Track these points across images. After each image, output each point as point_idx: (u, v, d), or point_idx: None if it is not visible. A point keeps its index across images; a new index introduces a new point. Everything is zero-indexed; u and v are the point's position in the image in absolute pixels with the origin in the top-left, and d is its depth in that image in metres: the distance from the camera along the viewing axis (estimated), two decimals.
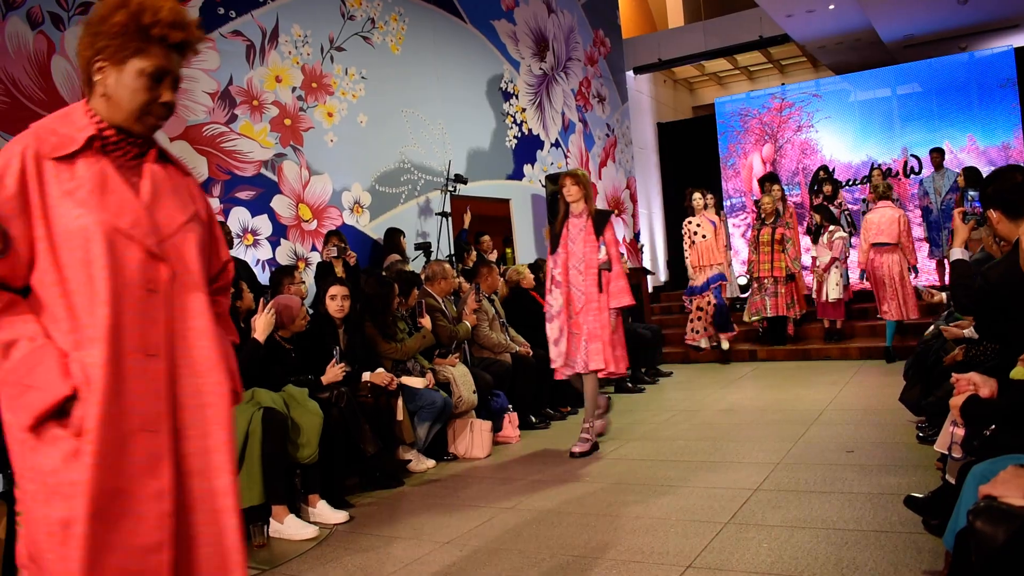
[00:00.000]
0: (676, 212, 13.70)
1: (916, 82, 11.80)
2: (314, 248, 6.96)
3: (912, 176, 11.30)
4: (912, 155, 11.55)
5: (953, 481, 2.57)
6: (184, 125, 6.05)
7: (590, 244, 5.08)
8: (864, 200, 9.58)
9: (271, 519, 3.79)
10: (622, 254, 8.62)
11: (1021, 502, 1.78)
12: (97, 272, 1.66)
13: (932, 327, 5.16)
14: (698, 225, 8.90)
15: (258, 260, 6.52)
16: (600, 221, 5.12)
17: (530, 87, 10.37)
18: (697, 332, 9.09)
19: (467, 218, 8.30)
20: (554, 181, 9.58)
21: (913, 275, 8.16)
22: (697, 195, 8.95)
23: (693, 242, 8.94)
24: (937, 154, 9.78)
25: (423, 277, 6.10)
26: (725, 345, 9.08)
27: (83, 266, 1.66)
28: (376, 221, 7.71)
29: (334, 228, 7.07)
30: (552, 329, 5.17)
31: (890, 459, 4.33)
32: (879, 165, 11.59)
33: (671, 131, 14.41)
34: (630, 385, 7.64)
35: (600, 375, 5.10)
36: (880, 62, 12.67)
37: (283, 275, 5.46)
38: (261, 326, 3.94)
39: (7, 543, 2.91)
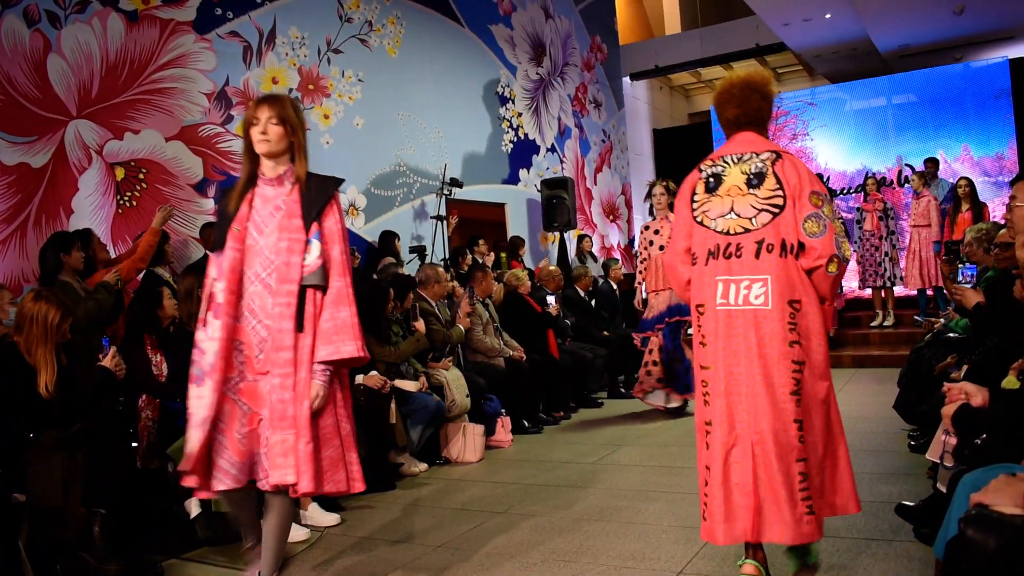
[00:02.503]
0: None
1: (911, 92, 11.85)
2: None
3: (906, 185, 11.33)
4: (906, 164, 11.59)
5: (944, 490, 2.58)
6: (180, 125, 6.04)
7: (292, 238, 2.68)
8: (858, 209, 9.62)
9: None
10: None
11: (1012, 510, 1.78)
12: None
13: (929, 334, 5.18)
14: (656, 232, 6.28)
15: None
16: (318, 196, 2.74)
17: (527, 92, 10.38)
18: (652, 383, 6.33)
19: (453, 221, 8.27)
20: (550, 186, 9.61)
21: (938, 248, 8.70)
22: (659, 189, 6.30)
23: (649, 255, 6.32)
24: (931, 164, 9.82)
25: (417, 280, 6.10)
26: (674, 403, 6.41)
27: None
28: (371, 224, 7.71)
29: None
30: (197, 401, 2.67)
31: (882, 467, 4.34)
32: (873, 174, 11.62)
33: (667, 137, 14.44)
34: (623, 391, 7.64)
35: (292, 494, 2.68)
36: (876, 71, 12.73)
37: None
38: None
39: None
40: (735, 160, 2.80)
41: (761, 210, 2.70)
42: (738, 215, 2.74)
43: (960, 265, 4.22)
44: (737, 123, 2.87)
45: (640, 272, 6.49)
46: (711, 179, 2.84)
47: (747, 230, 2.71)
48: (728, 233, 2.74)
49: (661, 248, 6.08)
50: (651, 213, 6.46)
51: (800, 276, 2.69)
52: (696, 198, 2.87)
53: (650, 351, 6.30)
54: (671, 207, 6.06)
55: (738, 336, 2.70)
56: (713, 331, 2.76)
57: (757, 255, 2.68)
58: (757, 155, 2.78)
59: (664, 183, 6.28)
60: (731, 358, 2.71)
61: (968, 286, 3.80)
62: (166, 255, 5.36)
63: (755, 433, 2.65)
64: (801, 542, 2.72)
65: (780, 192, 2.69)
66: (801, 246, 2.68)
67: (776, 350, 2.66)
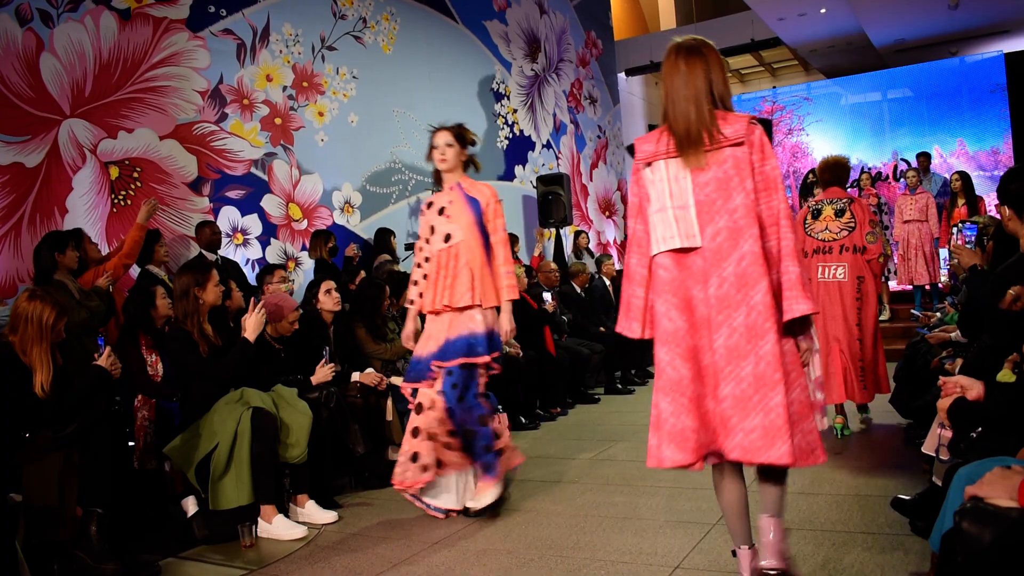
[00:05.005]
0: None
1: (907, 86, 11.86)
2: (304, 248, 6.95)
3: (901, 180, 11.36)
4: (902, 159, 11.60)
5: (940, 483, 2.58)
6: (174, 124, 6.03)
7: None
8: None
9: (259, 519, 3.77)
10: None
11: (1007, 503, 1.78)
12: None
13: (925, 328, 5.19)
14: (442, 212, 4.05)
15: (248, 260, 6.51)
16: None
17: (522, 88, 10.37)
18: (423, 471, 3.89)
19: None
20: (545, 183, 9.61)
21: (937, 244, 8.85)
22: (445, 137, 4.29)
23: (432, 254, 4.03)
24: (924, 158, 9.84)
25: None
26: (475, 503, 3.90)
27: None
28: (367, 221, 7.70)
29: (323, 228, 7.05)
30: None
31: (878, 461, 4.35)
32: (869, 169, 11.63)
33: None
34: (619, 387, 7.64)
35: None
36: (871, 66, 12.73)
37: (264, 274, 5.47)
38: (251, 326, 3.92)
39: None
40: (828, 202, 5.01)
41: (842, 229, 4.90)
42: (830, 231, 4.93)
43: (961, 225, 4.39)
44: (829, 182, 5.11)
45: (415, 283, 4.09)
46: (815, 211, 5.02)
47: (835, 239, 4.91)
48: (824, 240, 4.94)
49: (447, 239, 3.94)
50: (437, 182, 4.23)
51: (863, 264, 4.87)
52: (807, 221, 5.02)
53: (421, 408, 3.89)
54: (467, 166, 4.29)
55: (829, 295, 4.89)
56: (816, 293, 4.77)
57: (840, 253, 4.89)
58: (841, 200, 4.99)
59: (455, 130, 4.30)
60: (826, 307, 4.86)
61: (970, 247, 3.85)
62: (158, 254, 5.35)
63: (841, 342, 4.86)
64: (863, 402, 5.05)
65: (853, 220, 4.89)
66: (864, 248, 4.85)
67: (849, 302, 4.87)
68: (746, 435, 2.36)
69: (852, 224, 4.85)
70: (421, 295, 4.04)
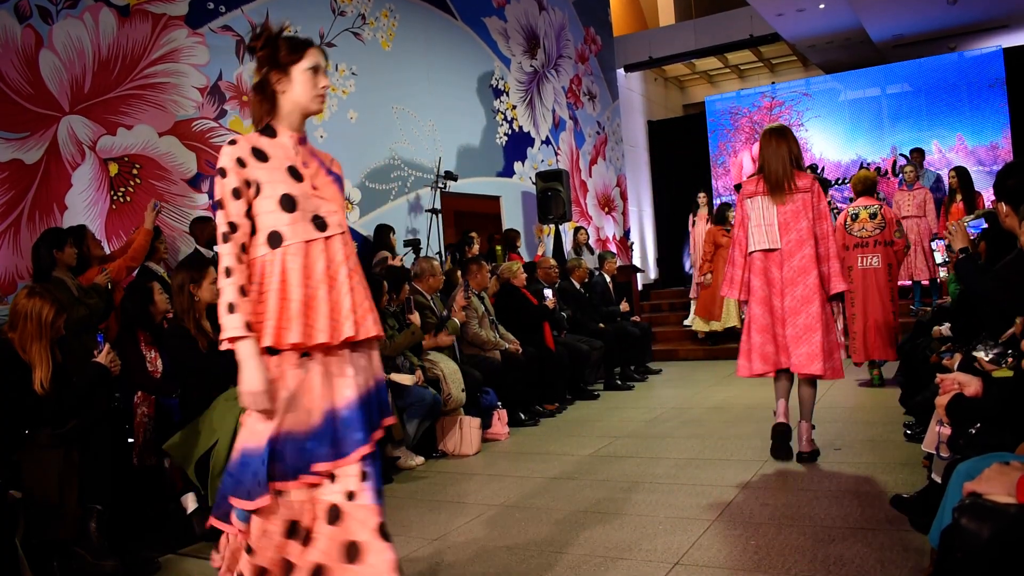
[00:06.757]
0: (666, 210, 13.75)
1: (905, 82, 11.85)
2: None
3: (900, 175, 11.37)
4: (901, 154, 11.60)
5: (939, 480, 2.59)
6: (173, 120, 6.02)
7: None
8: (851, 199, 9.64)
9: None
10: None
11: (1006, 499, 1.79)
12: None
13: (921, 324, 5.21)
14: (295, 203, 2.19)
15: None
16: None
17: (521, 84, 10.36)
18: None
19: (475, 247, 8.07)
20: (545, 179, 9.60)
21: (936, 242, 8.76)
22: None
23: (238, 258, 2.20)
24: (917, 154, 9.86)
25: (412, 274, 6.10)
26: None
27: None
28: (366, 218, 7.69)
29: None
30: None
31: (877, 457, 4.35)
32: (868, 164, 11.63)
33: (662, 129, 14.43)
34: (619, 382, 7.65)
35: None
36: (870, 61, 12.72)
37: None
38: None
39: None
40: (864, 207, 6.37)
41: (876, 228, 6.29)
42: (866, 230, 6.31)
43: (972, 219, 4.67)
44: (862, 192, 6.45)
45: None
46: (853, 215, 6.39)
47: (870, 235, 6.30)
48: (862, 237, 6.33)
49: (321, 226, 2.22)
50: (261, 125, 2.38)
51: (892, 254, 6.29)
52: (847, 223, 6.37)
53: (308, 536, 2.31)
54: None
55: (866, 278, 6.31)
56: (855, 278, 6.29)
57: (874, 246, 6.28)
58: (873, 205, 6.35)
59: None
60: (862, 288, 6.29)
61: (972, 230, 3.94)
62: (157, 251, 5.34)
63: (876, 314, 6.26)
64: (891, 359, 6.33)
65: (883, 221, 6.29)
66: (892, 242, 6.25)
67: (883, 284, 6.29)
68: (798, 357, 4.23)
69: (883, 224, 6.29)
70: (260, 321, 2.24)
